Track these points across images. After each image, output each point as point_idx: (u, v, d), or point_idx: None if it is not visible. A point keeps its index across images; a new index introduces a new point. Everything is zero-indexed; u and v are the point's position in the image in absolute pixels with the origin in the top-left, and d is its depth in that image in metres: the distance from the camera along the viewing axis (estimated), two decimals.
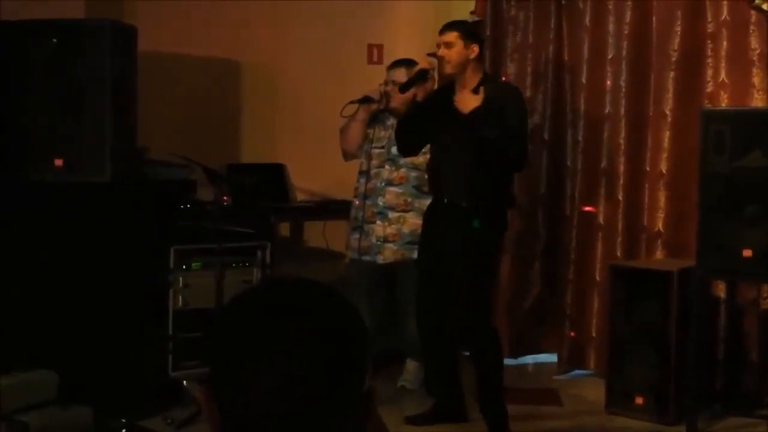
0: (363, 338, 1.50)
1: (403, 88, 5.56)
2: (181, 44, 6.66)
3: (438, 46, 5.36)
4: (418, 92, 5.47)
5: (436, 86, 5.50)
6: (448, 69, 5.30)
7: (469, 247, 5.21)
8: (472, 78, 5.30)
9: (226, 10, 6.91)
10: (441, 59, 5.33)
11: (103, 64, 5.32)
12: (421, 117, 5.37)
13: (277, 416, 1.42)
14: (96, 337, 5.37)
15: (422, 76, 5.45)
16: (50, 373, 5.10)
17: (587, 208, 6.52)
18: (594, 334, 6.46)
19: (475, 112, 5.24)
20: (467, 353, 5.63)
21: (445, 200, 5.35)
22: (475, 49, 5.32)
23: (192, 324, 5.67)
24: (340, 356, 1.46)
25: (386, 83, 6.17)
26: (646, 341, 5.63)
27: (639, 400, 5.66)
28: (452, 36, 5.29)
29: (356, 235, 6.18)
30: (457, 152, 5.27)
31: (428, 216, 5.54)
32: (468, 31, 5.42)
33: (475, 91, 5.28)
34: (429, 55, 5.73)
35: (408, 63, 6.13)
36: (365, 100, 6.13)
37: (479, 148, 5.17)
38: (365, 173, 6.18)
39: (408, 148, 5.53)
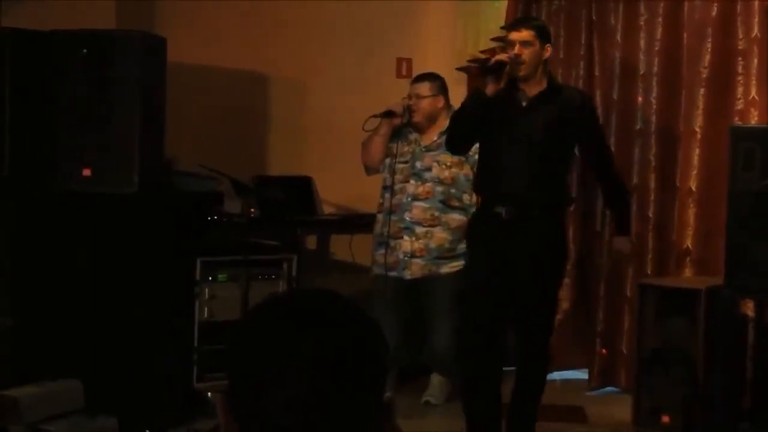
0: (382, 352, 1.49)
1: (484, 71, 4.98)
2: (211, 56, 6.68)
3: (510, 43, 4.95)
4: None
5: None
6: (523, 71, 4.91)
7: (541, 264, 4.94)
8: (541, 82, 5.00)
9: (256, 22, 6.92)
10: (515, 59, 4.88)
11: (132, 74, 5.34)
12: (482, 111, 4.94)
13: (294, 429, 1.41)
14: (121, 347, 5.37)
15: (499, 68, 4.89)
16: (76, 382, 5.11)
17: None
18: (624, 351, 6.42)
19: (539, 96, 4.97)
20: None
21: (504, 210, 4.93)
22: (549, 50, 5.02)
23: (217, 336, 5.67)
24: (358, 370, 1.45)
25: (409, 97, 6.16)
26: (674, 359, 5.58)
27: (666, 419, 5.61)
28: (529, 34, 4.93)
29: (382, 251, 6.14)
30: (516, 152, 4.92)
31: (482, 228, 5.10)
32: (544, 29, 5.09)
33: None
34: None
35: (431, 77, 6.12)
36: (387, 114, 6.11)
37: (541, 136, 4.89)
38: (389, 188, 6.15)
39: (460, 144, 5.20)
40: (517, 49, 4.90)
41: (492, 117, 4.95)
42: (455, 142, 5.18)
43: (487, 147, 5.10)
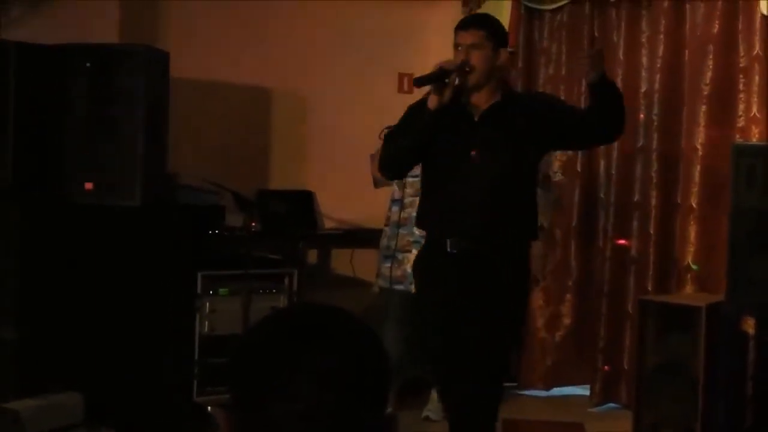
0: (385, 366, 1.50)
1: (419, 82, 4.28)
2: (213, 71, 6.69)
3: (456, 47, 4.29)
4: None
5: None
6: (472, 80, 4.23)
7: (499, 303, 4.26)
8: (495, 93, 4.34)
9: (258, 37, 6.93)
10: (461, 66, 4.21)
11: (136, 88, 5.35)
12: (425, 130, 4.24)
13: None
14: (122, 360, 5.38)
15: (440, 76, 4.20)
16: (77, 395, 5.11)
17: (620, 241, 6.49)
18: (626, 367, 6.42)
19: (492, 109, 4.30)
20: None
21: (454, 246, 4.26)
22: (505, 54, 4.38)
23: (218, 349, 5.67)
24: (362, 384, 1.45)
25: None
26: (675, 376, 5.58)
27: None
28: (479, 36, 4.23)
29: (388, 264, 6.12)
30: (468, 175, 4.24)
31: (430, 267, 4.42)
32: (498, 29, 4.36)
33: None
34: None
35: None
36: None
37: (496, 155, 4.23)
38: (399, 201, 6.12)
39: (395, 169, 4.61)
40: (463, 53, 4.23)
41: (437, 135, 4.27)
42: (390, 167, 4.55)
43: (431, 171, 4.45)
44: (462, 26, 4.31)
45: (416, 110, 4.35)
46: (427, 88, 4.27)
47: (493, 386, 4.39)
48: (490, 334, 4.24)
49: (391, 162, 4.47)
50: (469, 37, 4.23)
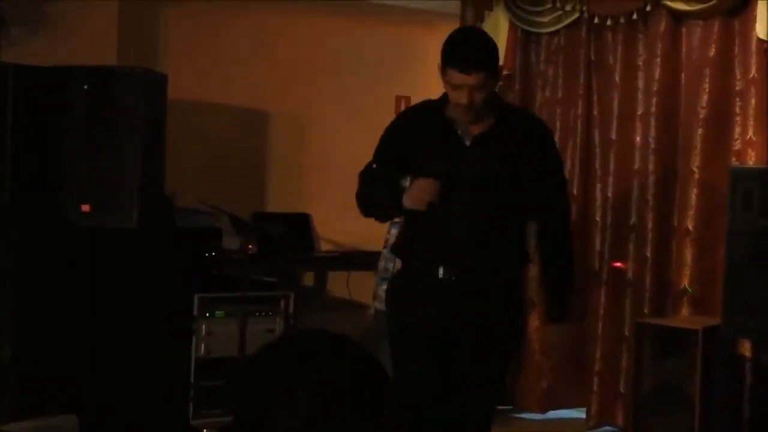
0: (385, 386, 1.51)
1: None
2: (211, 93, 6.71)
3: (454, 87, 3.92)
4: None
5: None
6: (471, 116, 3.94)
7: (492, 336, 4.03)
8: (488, 115, 4.00)
9: (256, 60, 6.96)
10: (459, 107, 3.92)
11: (134, 110, 5.36)
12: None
13: None
14: (118, 382, 5.37)
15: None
16: (73, 417, 5.09)
17: (616, 264, 6.49)
18: (622, 390, 6.41)
19: (484, 135, 3.99)
20: None
21: (447, 273, 3.98)
22: (500, 76, 4.16)
23: (214, 372, 5.67)
24: (362, 403, 1.46)
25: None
26: (671, 398, 5.58)
27: None
28: (482, 77, 3.87)
29: (385, 286, 6.12)
30: (461, 201, 3.94)
31: (417, 294, 4.05)
32: (497, 60, 4.02)
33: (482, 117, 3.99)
34: None
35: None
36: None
37: (488, 185, 3.95)
38: (398, 224, 6.11)
39: (381, 220, 4.48)
40: (467, 94, 3.86)
41: (427, 160, 3.96)
42: (369, 216, 4.32)
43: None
44: (463, 69, 3.86)
45: (399, 139, 4.13)
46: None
47: (488, 411, 4.17)
48: (488, 361, 4.03)
49: (370, 215, 4.30)
50: (472, 80, 3.85)
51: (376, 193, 4.18)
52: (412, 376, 3.96)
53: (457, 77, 3.86)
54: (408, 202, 3.95)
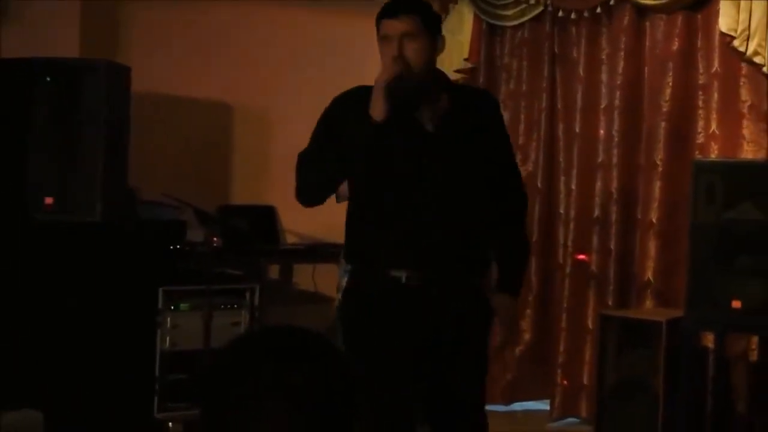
0: (353, 384, 1.51)
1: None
2: (175, 85, 6.67)
3: (383, 39, 3.59)
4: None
5: None
6: (399, 66, 3.52)
7: (462, 339, 3.72)
8: (440, 95, 3.66)
9: (220, 52, 6.92)
10: (397, 61, 3.53)
11: (97, 103, 5.33)
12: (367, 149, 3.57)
13: None
14: (82, 376, 5.34)
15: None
16: (35, 413, 5.07)
17: (580, 257, 6.51)
18: (586, 382, 6.43)
19: (445, 121, 3.61)
20: None
21: (411, 279, 3.59)
22: (442, 42, 3.67)
23: (179, 365, 5.65)
24: (332, 402, 1.46)
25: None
26: (635, 390, 5.61)
27: None
28: (412, 22, 3.51)
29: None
30: (423, 197, 3.58)
31: (378, 303, 3.64)
32: (432, 12, 3.71)
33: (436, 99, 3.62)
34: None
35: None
36: None
37: (457, 174, 3.61)
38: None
39: (317, 197, 3.85)
40: (396, 44, 3.51)
41: (378, 149, 3.55)
42: (313, 195, 3.87)
43: (370, 193, 3.71)
44: (389, 13, 3.54)
45: (337, 122, 3.75)
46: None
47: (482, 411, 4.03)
48: (468, 370, 3.78)
49: (316, 190, 3.82)
50: (401, 26, 3.50)
51: (318, 158, 3.79)
52: (387, 395, 3.57)
53: (387, 25, 3.53)
54: (380, 82, 3.58)
